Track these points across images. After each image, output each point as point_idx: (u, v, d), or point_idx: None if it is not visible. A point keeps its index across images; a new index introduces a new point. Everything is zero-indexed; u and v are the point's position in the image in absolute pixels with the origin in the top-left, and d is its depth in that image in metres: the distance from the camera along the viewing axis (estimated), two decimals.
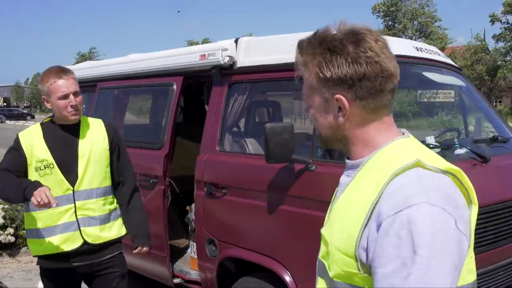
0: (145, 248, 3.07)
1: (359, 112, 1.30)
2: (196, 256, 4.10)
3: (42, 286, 3.09)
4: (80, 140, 2.90)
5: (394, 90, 1.31)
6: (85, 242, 2.88)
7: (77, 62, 68.43)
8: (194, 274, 4.23)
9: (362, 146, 1.33)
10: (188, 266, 4.39)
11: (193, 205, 4.24)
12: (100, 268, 2.99)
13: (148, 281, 4.82)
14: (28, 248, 6.40)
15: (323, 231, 1.42)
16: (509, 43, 40.84)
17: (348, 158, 1.39)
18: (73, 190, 2.85)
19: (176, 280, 4.33)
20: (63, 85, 2.77)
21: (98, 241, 2.92)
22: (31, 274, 5.88)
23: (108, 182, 3.00)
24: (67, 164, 2.86)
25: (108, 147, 2.98)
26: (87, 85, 5.38)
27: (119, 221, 3.07)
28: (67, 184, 2.84)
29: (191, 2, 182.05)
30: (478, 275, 2.82)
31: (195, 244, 4.16)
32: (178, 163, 4.82)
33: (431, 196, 1.17)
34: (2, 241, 6.46)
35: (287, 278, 3.25)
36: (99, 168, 2.93)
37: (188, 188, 4.83)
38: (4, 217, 6.51)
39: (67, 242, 2.87)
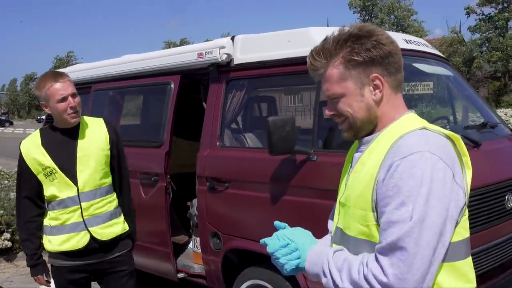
0: None
1: (387, 88, 1.48)
2: (199, 250, 4.18)
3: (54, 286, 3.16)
4: (79, 141, 2.93)
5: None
6: (92, 239, 2.93)
7: (55, 67, 67.61)
8: (197, 268, 4.31)
9: (384, 122, 1.50)
10: (191, 260, 4.47)
11: (194, 200, 4.31)
12: (109, 266, 3.04)
13: (152, 279, 4.90)
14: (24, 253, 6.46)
15: (341, 199, 1.56)
16: (484, 34, 41.57)
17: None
18: (78, 192, 2.90)
19: (180, 275, 4.40)
20: (61, 88, 2.81)
21: (105, 238, 2.97)
22: (30, 278, 5.85)
23: (109, 181, 3.05)
24: (70, 167, 2.90)
25: (109, 147, 3.02)
26: (81, 87, 5.42)
27: (122, 217, 3.11)
28: (73, 186, 2.89)
29: (168, 4, 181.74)
30: (473, 254, 2.99)
31: (197, 238, 4.23)
32: (174, 161, 4.91)
33: (432, 147, 1.35)
34: None
35: None
36: (101, 168, 2.97)
37: (184, 185, 4.91)
38: (0, 222, 6.51)
39: (75, 241, 2.92)
